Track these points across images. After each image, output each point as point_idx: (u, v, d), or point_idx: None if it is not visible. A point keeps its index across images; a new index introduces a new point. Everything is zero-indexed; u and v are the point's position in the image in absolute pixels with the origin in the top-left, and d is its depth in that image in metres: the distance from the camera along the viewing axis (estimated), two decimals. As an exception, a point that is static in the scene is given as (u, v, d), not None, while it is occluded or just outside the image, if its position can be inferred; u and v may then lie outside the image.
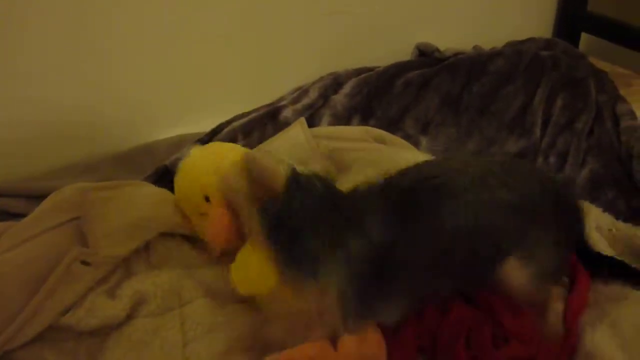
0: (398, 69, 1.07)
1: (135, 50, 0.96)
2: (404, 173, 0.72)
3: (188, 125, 1.01)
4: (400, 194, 0.70)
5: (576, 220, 0.77)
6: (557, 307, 0.75)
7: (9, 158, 0.92)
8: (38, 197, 0.86)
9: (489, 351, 0.73)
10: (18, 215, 0.85)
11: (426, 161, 0.81)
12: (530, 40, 1.17)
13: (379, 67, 1.09)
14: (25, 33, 0.88)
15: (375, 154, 0.93)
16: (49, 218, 0.80)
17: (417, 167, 0.74)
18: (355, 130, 0.98)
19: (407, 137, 1.01)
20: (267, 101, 1.05)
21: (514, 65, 1.08)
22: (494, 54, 1.10)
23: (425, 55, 1.13)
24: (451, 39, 1.16)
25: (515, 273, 0.69)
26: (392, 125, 1.03)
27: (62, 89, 0.93)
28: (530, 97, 1.05)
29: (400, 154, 0.95)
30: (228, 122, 0.99)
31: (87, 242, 0.79)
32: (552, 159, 0.98)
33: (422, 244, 0.68)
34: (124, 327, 0.77)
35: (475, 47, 1.15)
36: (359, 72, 1.07)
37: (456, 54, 1.11)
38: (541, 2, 1.32)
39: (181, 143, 0.97)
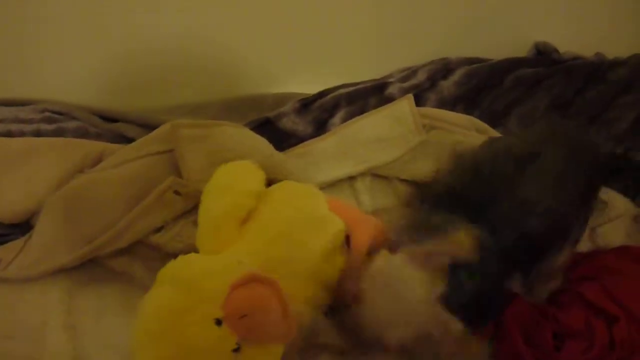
0: (511, 64, 1.05)
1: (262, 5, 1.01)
2: None
3: (296, 85, 1.05)
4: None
5: None
6: None
7: (131, 90, 1.01)
8: (149, 127, 0.94)
9: (550, 352, 0.72)
10: (131, 139, 0.93)
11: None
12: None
13: (491, 59, 1.08)
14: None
15: (475, 141, 0.93)
16: (150, 145, 0.87)
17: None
18: (460, 117, 0.98)
19: (508, 135, 1.00)
20: (375, 76, 1.07)
21: (637, 76, 1.02)
22: (617, 63, 1.05)
23: (543, 55, 1.10)
24: (571, 42, 1.12)
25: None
26: (495, 120, 1.01)
27: (188, 33, 0.99)
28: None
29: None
30: (334, 88, 1.02)
31: (180, 173, 0.85)
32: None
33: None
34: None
35: (597, 54, 1.10)
36: (470, 61, 1.06)
37: (575, 58, 1.07)
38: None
39: (286, 100, 1.01)
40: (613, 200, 0.90)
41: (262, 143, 0.92)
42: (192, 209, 0.85)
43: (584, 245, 0.87)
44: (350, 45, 1.08)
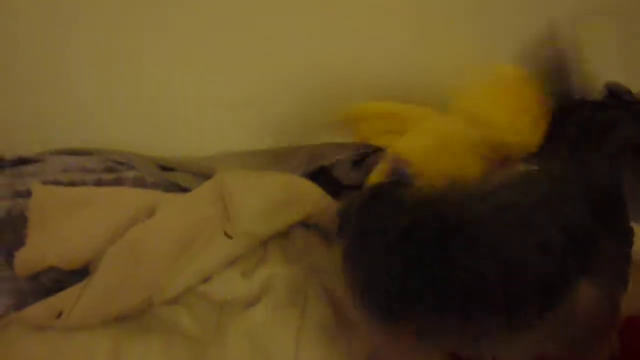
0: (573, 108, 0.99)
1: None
2: None
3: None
4: None
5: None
6: None
7: (186, 138, 1.04)
8: (204, 176, 0.96)
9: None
10: (185, 189, 0.95)
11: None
12: None
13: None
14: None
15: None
16: (201, 196, 0.89)
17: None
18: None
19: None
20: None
21: None
22: None
23: (615, 97, 1.03)
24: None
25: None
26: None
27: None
28: None
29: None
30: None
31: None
32: None
33: None
34: (246, 312, 0.81)
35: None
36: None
37: (652, 99, 1.00)
38: None
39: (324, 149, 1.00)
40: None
41: (314, 189, 0.92)
42: (237, 261, 0.86)
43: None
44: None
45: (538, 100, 0.90)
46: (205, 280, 0.84)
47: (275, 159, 1.00)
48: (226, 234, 0.84)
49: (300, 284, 0.84)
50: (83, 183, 0.94)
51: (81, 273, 0.86)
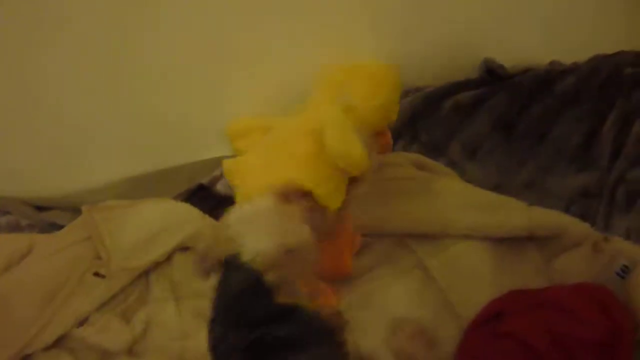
0: (449, 88, 0.98)
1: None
2: None
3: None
4: None
5: None
6: None
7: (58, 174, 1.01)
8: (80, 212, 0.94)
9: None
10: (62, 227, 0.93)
11: None
12: (619, 54, 0.99)
13: (430, 86, 1.00)
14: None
15: (407, 184, 0.87)
16: (71, 233, 0.87)
17: None
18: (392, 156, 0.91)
19: (452, 164, 0.92)
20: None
21: (586, 84, 0.91)
22: (565, 72, 0.94)
23: (492, 72, 1.02)
24: (529, 51, 1.03)
25: None
26: (436, 151, 0.94)
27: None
28: (600, 122, 0.89)
29: (438, 183, 0.87)
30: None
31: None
32: (619, 197, 0.83)
33: None
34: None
35: (552, 63, 1.00)
36: (405, 92, 0.99)
37: (526, 71, 0.98)
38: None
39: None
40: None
41: (190, 212, 0.90)
42: (115, 299, 0.84)
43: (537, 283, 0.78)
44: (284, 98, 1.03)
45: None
46: (81, 323, 0.82)
47: (155, 182, 0.98)
48: (98, 274, 0.83)
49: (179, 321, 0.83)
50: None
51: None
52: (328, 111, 0.73)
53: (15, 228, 0.93)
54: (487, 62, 1.02)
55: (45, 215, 0.96)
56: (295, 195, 0.69)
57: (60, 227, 0.93)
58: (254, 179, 0.73)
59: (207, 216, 0.90)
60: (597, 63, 0.94)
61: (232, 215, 0.68)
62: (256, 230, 0.65)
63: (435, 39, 1.03)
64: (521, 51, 1.04)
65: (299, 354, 0.61)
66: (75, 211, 0.95)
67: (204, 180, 0.97)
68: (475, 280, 0.80)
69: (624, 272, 0.75)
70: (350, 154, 0.69)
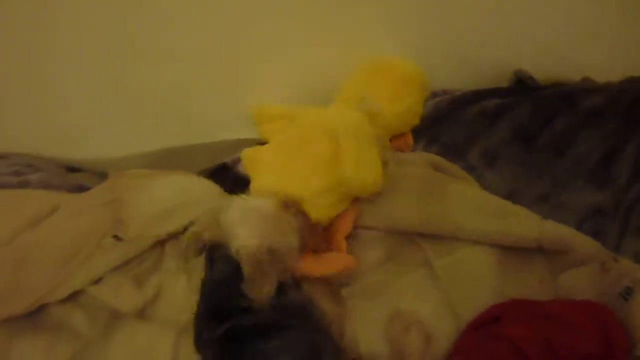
0: (477, 95, 0.99)
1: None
2: None
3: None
4: None
5: None
6: None
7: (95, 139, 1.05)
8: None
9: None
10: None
11: None
12: (653, 76, 0.98)
13: (458, 90, 1.01)
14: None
15: (422, 184, 0.88)
16: (97, 196, 0.91)
17: None
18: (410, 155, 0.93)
19: (470, 169, 0.94)
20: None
21: (612, 104, 0.91)
22: (594, 89, 0.95)
23: (522, 83, 1.02)
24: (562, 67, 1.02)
25: None
26: (456, 154, 0.95)
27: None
28: (623, 143, 0.89)
29: (453, 186, 0.89)
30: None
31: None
32: (634, 219, 0.83)
33: None
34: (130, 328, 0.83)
35: (584, 80, 1.00)
36: (433, 95, 1.01)
37: (556, 85, 0.99)
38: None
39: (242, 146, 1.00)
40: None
41: (211, 189, 0.93)
42: (129, 263, 0.87)
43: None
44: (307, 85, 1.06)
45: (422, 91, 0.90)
46: (96, 282, 0.86)
47: (177, 157, 1.02)
48: (117, 237, 0.86)
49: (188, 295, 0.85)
50: (-11, 187, 0.96)
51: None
52: (346, 136, 0.78)
53: (46, 186, 0.97)
54: (518, 72, 1.03)
55: (74, 177, 1.00)
56: (293, 209, 0.73)
57: (87, 189, 0.97)
58: (267, 176, 0.77)
59: (226, 194, 0.93)
60: (628, 84, 0.94)
61: (233, 207, 0.71)
62: (248, 227, 0.68)
63: (468, 45, 1.05)
64: (554, 66, 1.05)
65: (271, 341, 0.65)
66: (103, 175, 1.00)
67: (227, 160, 1.00)
68: (479, 284, 0.81)
69: (627, 293, 0.75)
70: (365, 183, 0.77)
